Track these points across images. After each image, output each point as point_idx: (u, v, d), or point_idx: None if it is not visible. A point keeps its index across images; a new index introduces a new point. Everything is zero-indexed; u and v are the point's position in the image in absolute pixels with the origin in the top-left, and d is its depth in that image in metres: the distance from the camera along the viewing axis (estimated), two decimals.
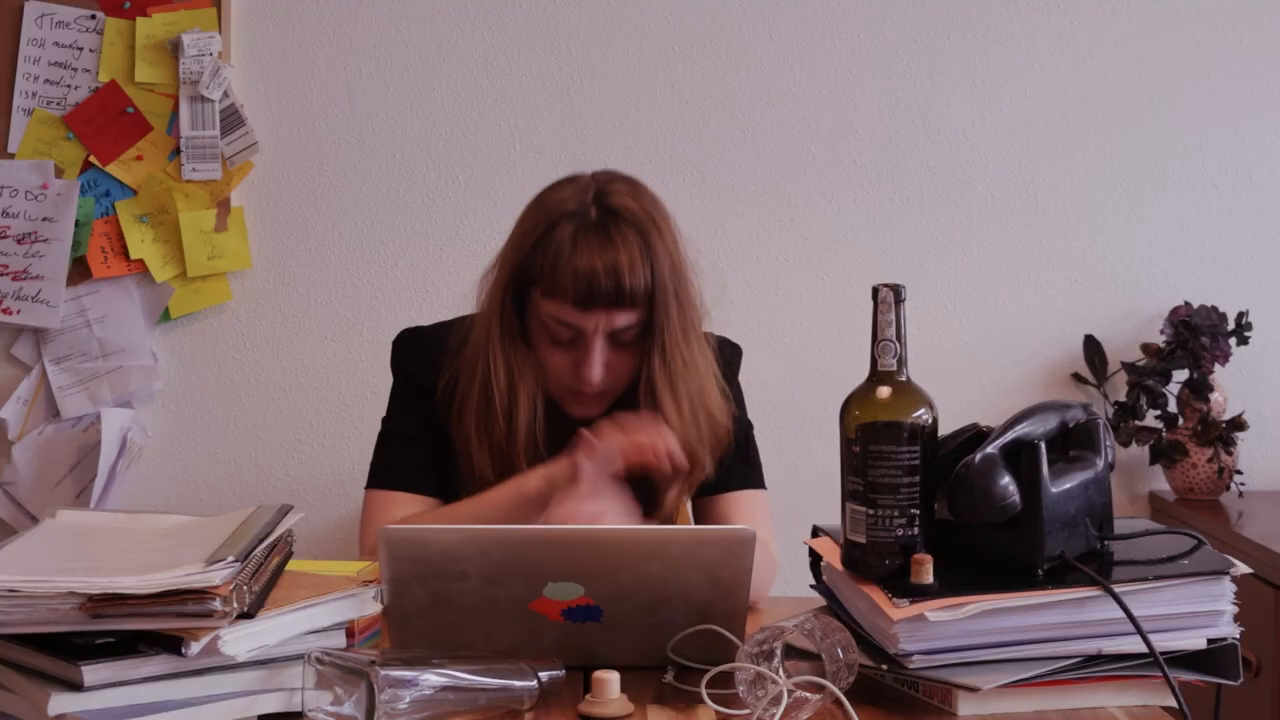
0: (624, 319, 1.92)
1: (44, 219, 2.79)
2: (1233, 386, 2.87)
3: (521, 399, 1.97)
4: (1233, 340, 2.81)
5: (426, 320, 2.19)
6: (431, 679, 1.41)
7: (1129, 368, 2.86)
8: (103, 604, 1.31)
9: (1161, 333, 2.84)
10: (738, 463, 2.08)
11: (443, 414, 2.02)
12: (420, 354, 2.10)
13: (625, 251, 1.90)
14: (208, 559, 1.35)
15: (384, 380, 2.16)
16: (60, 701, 1.30)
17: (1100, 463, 1.58)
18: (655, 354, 1.94)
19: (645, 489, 1.97)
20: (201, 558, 1.35)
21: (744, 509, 2.08)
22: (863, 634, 1.53)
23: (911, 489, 1.51)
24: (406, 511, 2.02)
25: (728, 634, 1.56)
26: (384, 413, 2.13)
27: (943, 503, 1.53)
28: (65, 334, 2.81)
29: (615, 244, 1.91)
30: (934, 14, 2.88)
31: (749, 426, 2.14)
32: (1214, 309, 2.82)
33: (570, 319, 1.91)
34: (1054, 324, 2.92)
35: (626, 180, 2.01)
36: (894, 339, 1.53)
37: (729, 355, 2.14)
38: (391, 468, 2.07)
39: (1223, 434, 2.79)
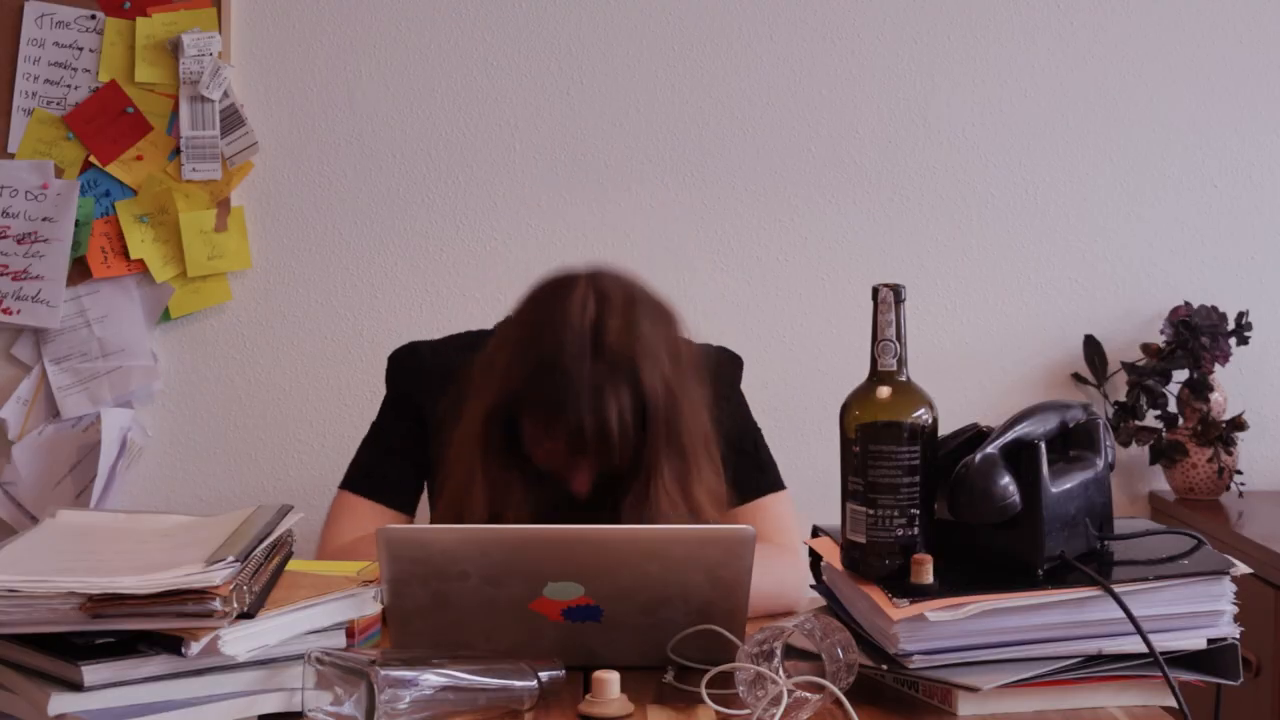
0: (608, 464, 1.89)
1: (44, 219, 2.79)
2: (1233, 386, 2.87)
3: (507, 519, 1.92)
4: (1233, 340, 2.81)
5: (425, 322, 2.20)
6: (431, 679, 1.41)
7: (1129, 368, 2.86)
8: (103, 604, 1.31)
9: (1161, 333, 2.84)
10: (750, 470, 2.08)
11: (434, 450, 2.02)
12: (416, 375, 2.10)
13: (616, 404, 1.84)
14: (208, 559, 1.35)
15: (383, 381, 2.16)
16: (60, 701, 1.30)
17: (1100, 463, 1.58)
18: (632, 492, 1.90)
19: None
20: (201, 558, 1.35)
21: (764, 514, 2.06)
22: (863, 634, 1.53)
23: (911, 489, 1.51)
24: (373, 522, 1.97)
25: (728, 634, 1.56)
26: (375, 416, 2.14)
27: (943, 503, 1.53)
28: (65, 334, 2.81)
29: (606, 399, 1.83)
30: (934, 14, 2.88)
31: (757, 432, 2.14)
32: (1214, 309, 2.82)
33: (561, 457, 1.89)
34: (1054, 324, 2.92)
35: (622, 294, 1.92)
36: (894, 339, 1.53)
37: (728, 368, 2.13)
38: (369, 475, 2.08)
39: (1223, 434, 2.79)
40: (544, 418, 1.88)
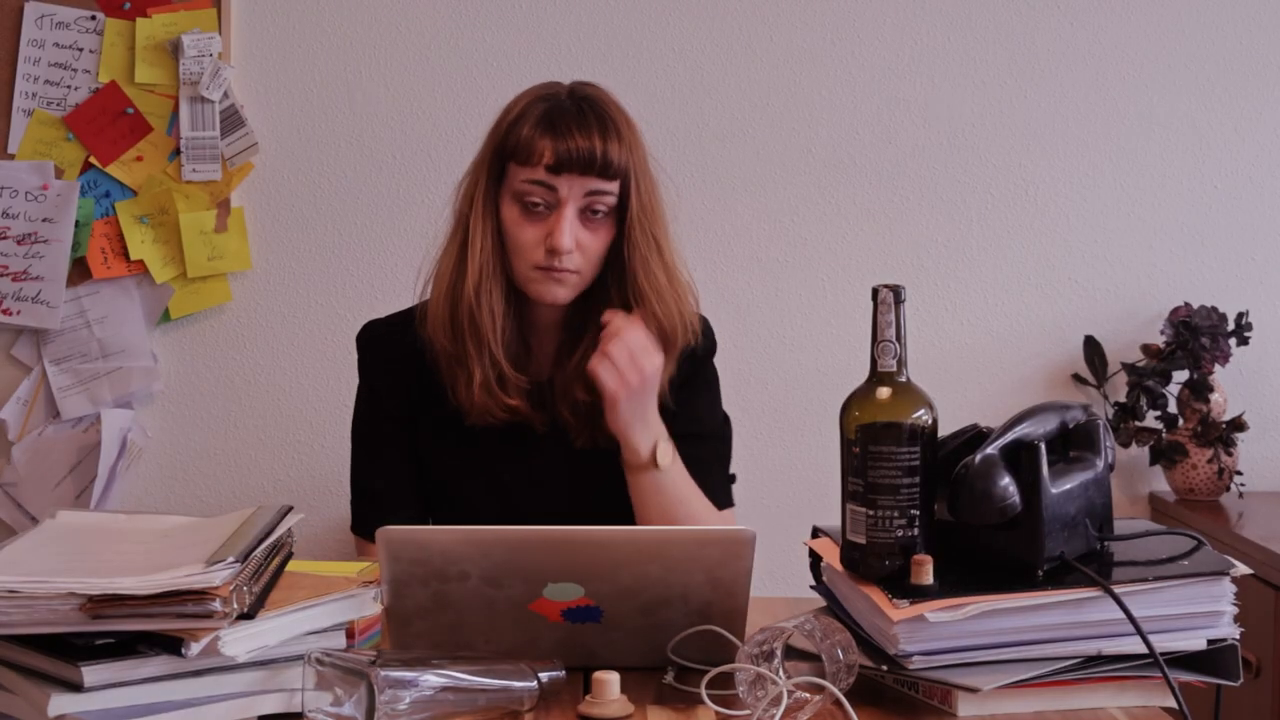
0: (596, 186, 1.95)
1: (44, 220, 2.79)
2: (1233, 387, 2.87)
3: (497, 268, 1.99)
4: (1233, 341, 2.81)
5: None
6: (431, 679, 1.41)
7: (1129, 368, 2.86)
8: (103, 605, 1.31)
9: (1161, 333, 2.84)
10: (721, 481, 2.10)
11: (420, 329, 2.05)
12: (385, 343, 2.12)
13: (598, 126, 1.95)
14: (208, 559, 1.35)
15: None
16: (60, 702, 1.30)
17: (1100, 463, 1.58)
18: (629, 229, 1.97)
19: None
20: (201, 558, 1.35)
21: None
22: (863, 635, 1.53)
23: (911, 490, 1.51)
24: None
25: (728, 635, 1.56)
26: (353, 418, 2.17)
27: (943, 503, 1.53)
28: (65, 335, 2.81)
29: (589, 119, 1.96)
30: (934, 14, 2.88)
31: (728, 434, 2.15)
32: (1214, 309, 2.82)
33: (545, 180, 1.94)
34: (1054, 324, 2.92)
35: (597, 86, 2.05)
36: (894, 340, 1.53)
37: (706, 340, 2.13)
38: (366, 516, 2.07)
39: (1223, 435, 2.79)
40: (529, 142, 1.94)
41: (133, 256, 2.81)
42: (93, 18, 2.79)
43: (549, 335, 2.04)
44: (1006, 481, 1.49)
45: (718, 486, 2.09)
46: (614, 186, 1.96)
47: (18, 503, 2.81)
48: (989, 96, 2.90)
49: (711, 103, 2.88)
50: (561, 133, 1.93)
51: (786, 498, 2.81)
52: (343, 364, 2.87)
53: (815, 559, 1.69)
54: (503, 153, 1.97)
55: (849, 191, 2.90)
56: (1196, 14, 2.90)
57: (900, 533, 1.51)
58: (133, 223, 2.81)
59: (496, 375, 1.98)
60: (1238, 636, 1.52)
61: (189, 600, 1.31)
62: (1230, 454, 2.80)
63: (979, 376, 2.90)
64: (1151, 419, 2.86)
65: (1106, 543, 1.58)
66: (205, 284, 2.83)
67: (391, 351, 2.10)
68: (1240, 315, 2.83)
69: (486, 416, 2.00)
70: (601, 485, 2.02)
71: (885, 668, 1.50)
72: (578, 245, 1.95)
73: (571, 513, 2.00)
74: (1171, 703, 1.47)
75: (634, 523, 1.99)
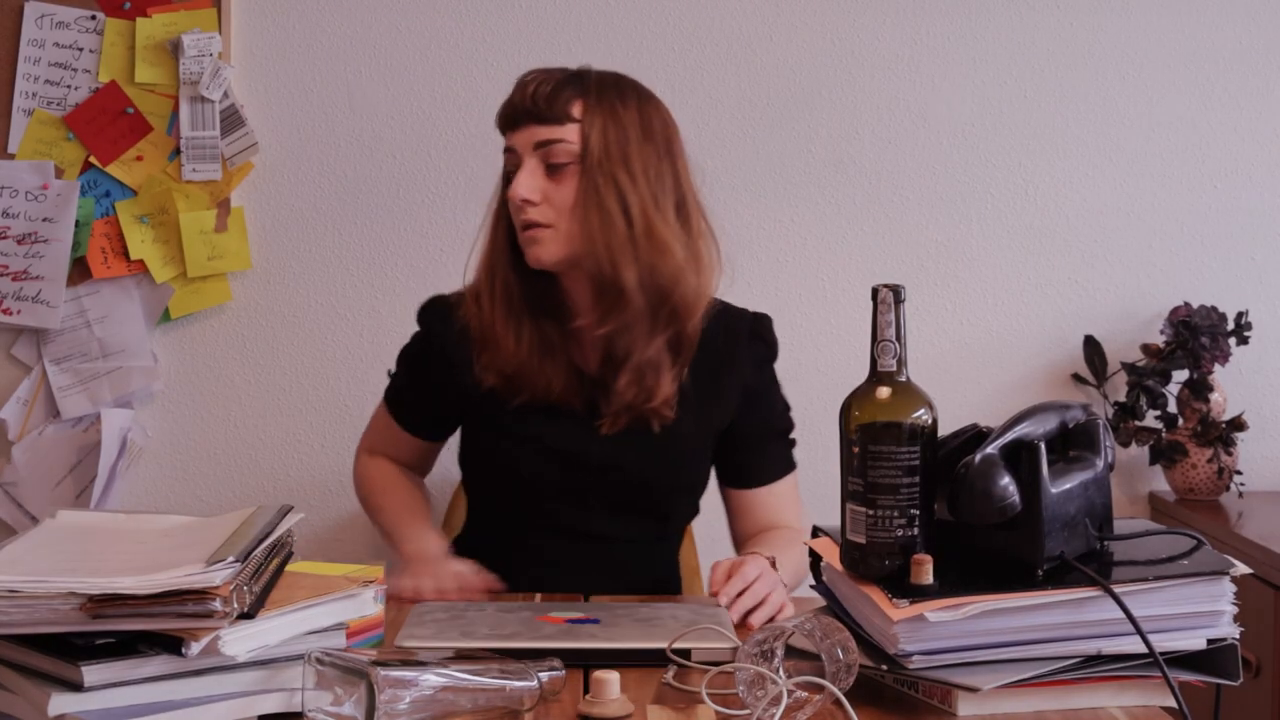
0: (543, 135, 1.93)
1: (44, 219, 2.79)
2: (1232, 387, 2.87)
3: (501, 260, 2.03)
4: (1232, 340, 2.81)
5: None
6: (431, 679, 1.40)
7: (1129, 368, 2.86)
8: (103, 604, 1.31)
9: (1161, 333, 2.84)
10: (785, 451, 2.21)
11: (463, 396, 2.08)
12: (446, 315, 2.12)
13: (543, 80, 1.95)
14: (208, 559, 1.35)
15: (383, 381, 2.17)
16: (60, 702, 1.30)
17: (1100, 463, 1.58)
18: (585, 172, 1.94)
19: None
20: (202, 558, 1.35)
21: (789, 492, 2.21)
22: (863, 634, 1.53)
23: (911, 489, 1.51)
24: (398, 448, 2.18)
25: (728, 634, 1.56)
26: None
27: (942, 503, 1.53)
28: (65, 334, 2.81)
29: (547, 71, 1.97)
30: (934, 14, 2.88)
31: (789, 409, 2.23)
32: (1214, 309, 2.82)
33: (507, 145, 1.97)
34: (1054, 324, 2.92)
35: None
36: (894, 339, 1.53)
37: (765, 336, 2.21)
38: (398, 396, 2.17)
39: (1222, 434, 2.79)
40: (498, 119, 1.98)
41: (133, 256, 2.81)
42: (93, 17, 2.79)
43: (584, 326, 2.05)
44: (1006, 481, 1.49)
45: (779, 460, 2.20)
46: (566, 133, 1.94)
47: (18, 503, 2.81)
48: (989, 96, 2.90)
49: (711, 103, 2.88)
50: (515, 97, 1.96)
51: None
52: (342, 364, 2.87)
53: (815, 559, 1.69)
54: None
55: (849, 191, 2.90)
56: (1196, 14, 2.90)
57: (900, 532, 1.51)
58: (133, 222, 2.81)
59: (505, 368, 2.02)
60: (1237, 636, 1.52)
61: (189, 600, 1.31)
62: (1230, 454, 2.80)
63: (979, 376, 2.90)
64: (1151, 419, 2.86)
65: (1106, 542, 1.58)
66: (205, 284, 2.84)
67: (451, 324, 2.11)
68: (1240, 315, 2.83)
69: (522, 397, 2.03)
70: (628, 466, 2.05)
71: (885, 667, 1.50)
72: (545, 199, 1.94)
73: (599, 483, 2.04)
74: (1171, 702, 1.47)
75: (653, 502, 2.08)
